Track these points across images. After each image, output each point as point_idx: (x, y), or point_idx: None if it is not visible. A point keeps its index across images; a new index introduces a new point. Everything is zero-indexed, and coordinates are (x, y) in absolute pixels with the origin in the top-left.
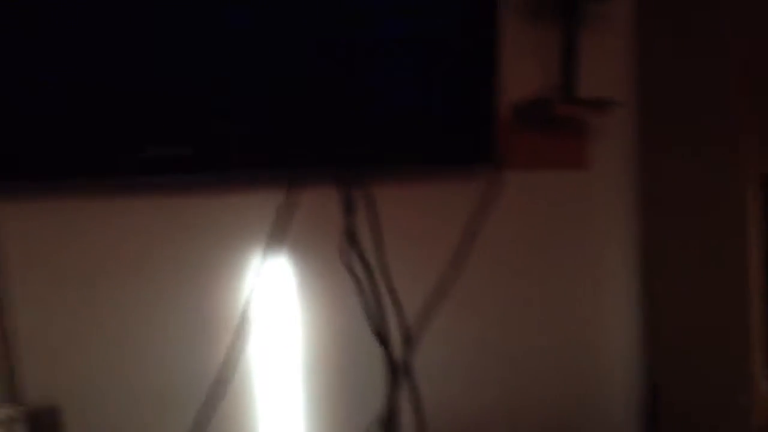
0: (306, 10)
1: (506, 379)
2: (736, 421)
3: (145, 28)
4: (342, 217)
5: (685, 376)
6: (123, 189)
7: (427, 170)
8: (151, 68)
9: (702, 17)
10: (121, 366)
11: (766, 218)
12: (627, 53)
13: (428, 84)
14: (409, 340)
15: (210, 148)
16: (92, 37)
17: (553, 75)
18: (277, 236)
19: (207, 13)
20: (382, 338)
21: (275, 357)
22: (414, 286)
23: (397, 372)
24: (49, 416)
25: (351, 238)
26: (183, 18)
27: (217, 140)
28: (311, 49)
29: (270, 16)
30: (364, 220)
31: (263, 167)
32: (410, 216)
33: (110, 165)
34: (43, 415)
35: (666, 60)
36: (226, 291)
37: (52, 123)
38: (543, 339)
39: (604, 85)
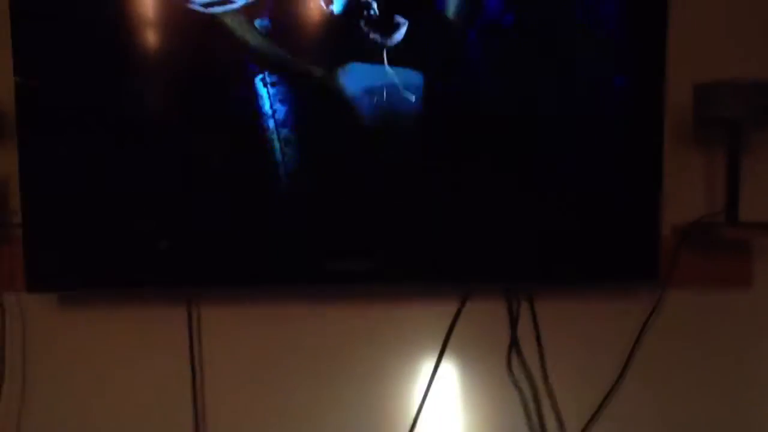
0: (474, 140)
1: None
2: None
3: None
4: (507, 329)
5: None
6: (308, 297)
7: (591, 286)
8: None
9: None
10: None
11: None
12: None
13: (594, 205)
14: None
15: (387, 262)
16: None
17: (719, 198)
18: (447, 345)
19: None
20: None
21: None
22: (575, 398)
23: None
24: None
25: (516, 349)
26: (352, 150)
27: (393, 256)
28: (480, 174)
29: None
30: (529, 333)
31: (435, 281)
32: (573, 330)
33: (297, 276)
34: None
35: None
36: (399, 395)
37: (248, 238)
38: None
39: (763, 205)
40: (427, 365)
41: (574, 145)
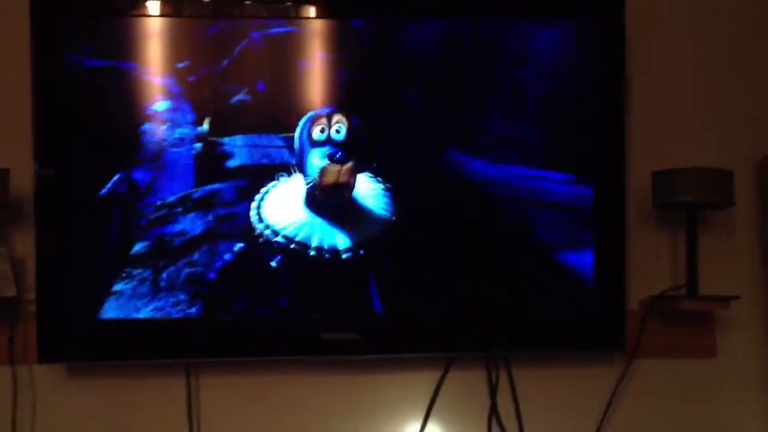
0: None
1: None
2: None
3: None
4: (488, 395)
5: None
6: (301, 366)
7: (565, 356)
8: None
9: None
10: None
11: None
12: (750, 251)
13: (565, 283)
14: None
15: (374, 334)
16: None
17: (682, 273)
18: (431, 410)
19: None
20: None
21: None
22: None
23: None
24: None
25: (495, 414)
26: None
27: (379, 327)
28: (460, 260)
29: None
30: (508, 398)
31: (420, 351)
32: (550, 395)
33: (296, 347)
34: None
35: None
36: None
37: (254, 320)
38: None
39: (729, 281)
40: (413, 429)
41: (550, 238)
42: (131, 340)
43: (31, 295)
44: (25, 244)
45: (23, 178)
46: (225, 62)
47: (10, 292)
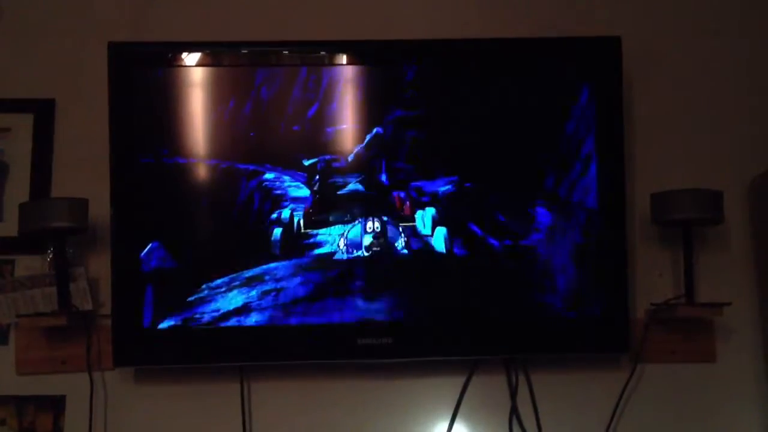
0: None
1: None
2: None
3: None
4: (508, 398)
5: None
6: (341, 371)
7: (577, 361)
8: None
9: None
10: None
11: None
12: (744, 264)
13: (575, 295)
14: None
15: (405, 339)
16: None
17: (683, 286)
18: (457, 412)
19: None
20: None
21: None
22: None
23: None
24: None
25: (516, 415)
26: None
27: (410, 333)
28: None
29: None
30: (527, 401)
31: (444, 354)
32: (565, 397)
33: (336, 351)
34: None
35: None
36: None
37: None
38: None
39: (727, 292)
40: (442, 428)
41: (556, 248)
42: (191, 347)
43: (104, 310)
44: (99, 265)
45: (99, 211)
46: None
47: (87, 306)
